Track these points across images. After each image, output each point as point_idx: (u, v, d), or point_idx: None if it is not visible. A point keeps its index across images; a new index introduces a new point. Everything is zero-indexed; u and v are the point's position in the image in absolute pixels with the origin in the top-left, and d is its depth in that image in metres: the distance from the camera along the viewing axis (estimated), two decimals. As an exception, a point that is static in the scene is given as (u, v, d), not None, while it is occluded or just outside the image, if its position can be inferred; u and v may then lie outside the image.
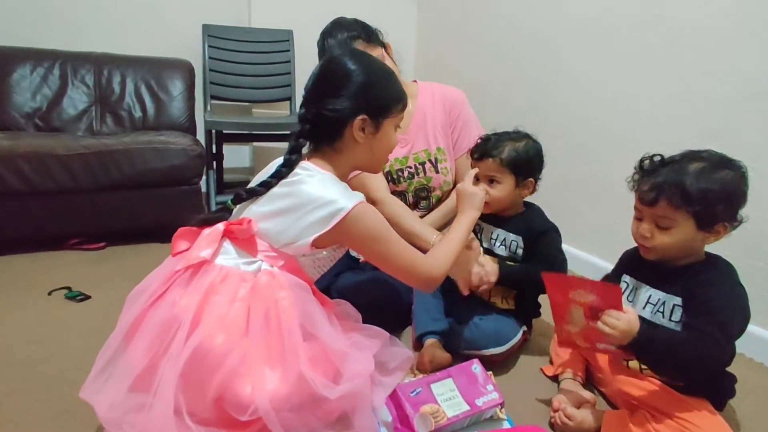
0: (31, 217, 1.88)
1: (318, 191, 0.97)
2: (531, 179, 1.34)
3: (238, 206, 1.05)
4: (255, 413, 0.83)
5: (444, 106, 1.58)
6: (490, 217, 1.40)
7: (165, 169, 2.00)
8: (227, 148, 2.69)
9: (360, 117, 1.01)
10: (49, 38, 2.42)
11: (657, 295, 1.09)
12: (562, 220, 1.41)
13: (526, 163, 1.31)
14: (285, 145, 2.92)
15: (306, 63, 2.78)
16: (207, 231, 0.99)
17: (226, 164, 2.71)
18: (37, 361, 1.25)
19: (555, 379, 1.25)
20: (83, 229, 2.00)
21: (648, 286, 1.11)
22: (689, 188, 0.98)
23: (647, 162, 1.08)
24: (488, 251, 1.39)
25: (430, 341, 1.30)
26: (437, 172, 1.56)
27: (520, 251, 1.34)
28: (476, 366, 1.12)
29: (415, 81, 1.64)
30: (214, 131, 2.58)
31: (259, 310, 0.90)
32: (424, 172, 1.56)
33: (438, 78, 1.92)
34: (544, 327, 1.50)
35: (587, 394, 1.14)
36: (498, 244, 1.38)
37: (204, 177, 2.24)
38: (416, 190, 1.57)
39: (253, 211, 1.01)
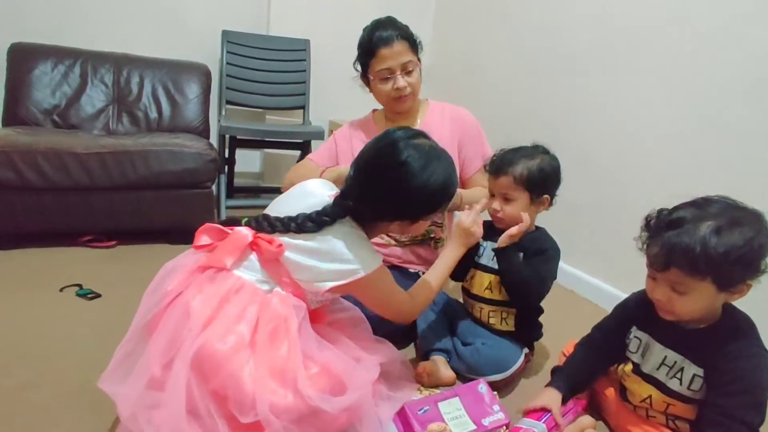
0: (46, 213, 1.90)
1: (346, 247, 1.01)
2: (547, 196, 1.32)
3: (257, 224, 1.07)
4: (257, 417, 0.85)
5: (452, 123, 1.61)
6: (497, 237, 1.37)
7: (179, 172, 2.03)
8: (238, 153, 2.72)
9: (398, 222, 1.07)
10: (72, 37, 2.46)
11: (673, 357, 1.03)
12: (571, 243, 1.42)
13: (541, 180, 1.29)
14: (296, 153, 2.93)
15: (321, 72, 2.83)
16: (235, 235, 1.01)
17: (236, 168, 2.74)
18: (49, 357, 1.26)
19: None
20: (96, 227, 2.02)
21: (662, 346, 1.05)
22: (699, 256, 0.89)
23: (653, 221, 0.99)
24: (491, 269, 1.37)
25: (437, 357, 1.32)
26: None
27: None
28: (482, 386, 1.14)
29: (426, 99, 1.67)
30: (227, 136, 2.61)
31: (267, 326, 0.94)
32: None
33: (452, 92, 1.94)
34: (547, 348, 1.51)
35: (588, 420, 1.15)
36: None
37: (215, 181, 2.26)
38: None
39: (284, 239, 1.02)
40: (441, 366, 1.29)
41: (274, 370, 0.90)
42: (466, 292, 1.45)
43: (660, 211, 0.99)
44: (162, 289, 0.98)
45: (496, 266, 1.36)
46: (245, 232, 1.01)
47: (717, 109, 1.55)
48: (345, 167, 1.29)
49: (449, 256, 1.25)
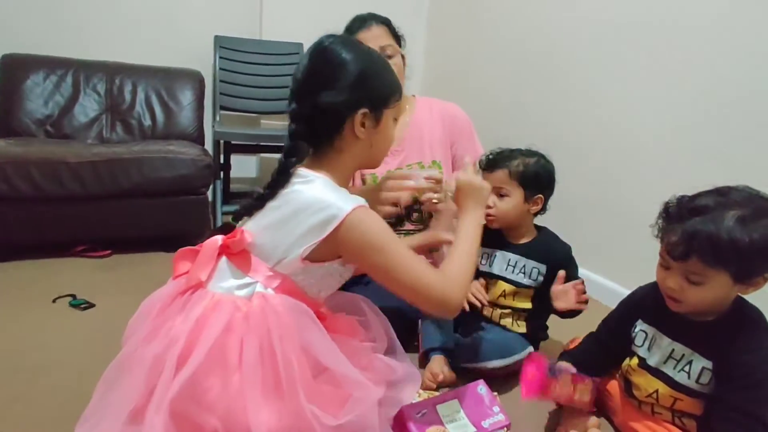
0: (39, 223, 1.89)
1: (312, 196, 0.88)
2: (540, 196, 1.32)
3: (240, 223, 0.98)
4: None
5: (443, 120, 1.58)
6: (503, 242, 1.38)
7: (173, 179, 2.01)
8: (234, 158, 2.71)
9: (361, 111, 0.93)
10: (63, 46, 2.45)
11: (681, 350, 1.00)
12: (576, 241, 1.40)
13: (536, 178, 1.29)
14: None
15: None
16: (205, 247, 0.93)
17: (232, 174, 2.73)
18: (41, 369, 1.24)
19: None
20: (90, 236, 2.01)
21: (669, 338, 1.03)
22: (726, 245, 0.85)
23: (674, 207, 0.95)
24: (502, 278, 1.36)
25: (436, 357, 1.29)
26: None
27: (540, 278, 1.33)
28: (482, 387, 1.12)
29: (413, 96, 1.64)
30: (222, 141, 2.60)
31: (253, 342, 0.83)
32: None
33: (446, 92, 1.93)
34: (550, 348, 1.49)
35: (592, 419, 1.13)
36: (516, 271, 1.35)
37: (211, 187, 2.24)
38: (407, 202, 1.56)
39: (248, 225, 0.94)
40: (439, 366, 1.26)
41: (268, 389, 0.81)
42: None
43: (680, 198, 0.95)
44: (142, 320, 0.91)
45: (509, 276, 1.35)
46: (215, 239, 0.93)
47: (715, 105, 1.53)
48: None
49: (471, 222, 1.03)
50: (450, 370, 1.26)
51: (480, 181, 1.08)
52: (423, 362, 1.32)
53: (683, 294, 0.94)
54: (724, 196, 0.91)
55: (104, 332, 1.43)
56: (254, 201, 0.94)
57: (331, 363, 0.87)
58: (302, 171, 0.94)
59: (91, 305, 1.59)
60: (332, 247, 0.87)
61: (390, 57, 1.45)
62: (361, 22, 1.47)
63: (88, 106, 2.38)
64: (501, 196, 1.30)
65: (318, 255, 0.88)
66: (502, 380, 1.28)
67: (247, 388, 0.80)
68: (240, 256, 0.90)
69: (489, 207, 1.30)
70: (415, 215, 1.55)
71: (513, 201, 1.30)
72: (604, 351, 1.17)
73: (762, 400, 0.90)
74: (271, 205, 0.92)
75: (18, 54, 2.31)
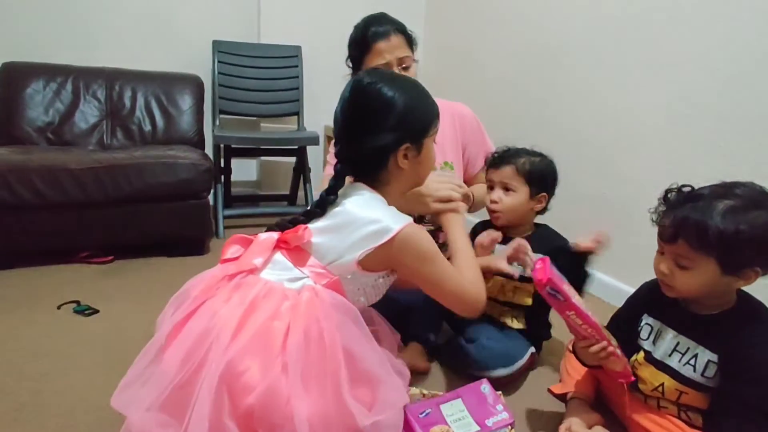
0: (41, 230, 1.89)
1: (366, 211, 0.96)
2: (544, 194, 1.34)
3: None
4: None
5: (453, 121, 1.57)
6: (503, 238, 1.37)
7: (174, 184, 2.02)
8: (234, 162, 2.71)
9: (403, 147, 0.99)
10: (63, 54, 2.46)
11: (686, 343, 1.01)
12: (575, 238, 1.40)
13: (542, 176, 1.32)
14: (292, 160, 2.94)
15: (314, 78, 2.82)
16: (262, 237, 0.99)
17: (233, 178, 2.73)
18: (47, 376, 1.25)
19: (564, 398, 1.24)
20: (92, 243, 2.01)
21: (674, 331, 1.04)
22: (710, 230, 0.88)
23: (672, 194, 0.99)
24: (505, 274, 1.34)
25: (413, 345, 1.31)
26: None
27: None
28: (485, 386, 1.12)
29: None
30: (222, 145, 2.60)
31: (299, 327, 0.86)
32: None
33: (445, 91, 1.93)
34: (554, 346, 1.49)
35: (595, 416, 1.13)
36: (516, 264, 1.36)
37: (212, 191, 2.25)
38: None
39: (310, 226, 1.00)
40: (415, 354, 1.27)
41: (310, 375, 0.83)
42: None
43: (681, 186, 0.98)
44: (185, 297, 0.94)
45: (508, 269, 1.35)
46: (271, 234, 0.99)
47: (719, 99, 1.52)
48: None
49: (455, 226, 1.14)
50: (424, 361, 1.28)
51: (441, 193, 1.17)
52: (400, 347, 1.32)
53: (673, 278, 0.97)
54: (725, 188, 0.93)
55: (109, 338, 1.44)
56: (305, 218, 1.00)
57: (369, 364, 0.89)
58: (357, 184, 1.02)
59: (96, 311, 1.60)
60: (384, 259, 0.94)
61: (407, 68, 1.44)
62: (379, 33, 1.40)
63: (88, 113, 2.39)
64: (507, 190, 1.32)
65: (370, 264, 0.95)
66: (505, 383, 1.28)
67: (289, 372, 0.82)
68: (295, 251, 0.96)
69: (495, 202, 1.33)
70: (427, 216, 1.55)
71: (519, 197, 1.32)
72: None
73: (767, 394, 0.90)
74: (332, 210, 0.99)
75: (18, 62, 2.33)
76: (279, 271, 0.96)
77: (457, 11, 2.86)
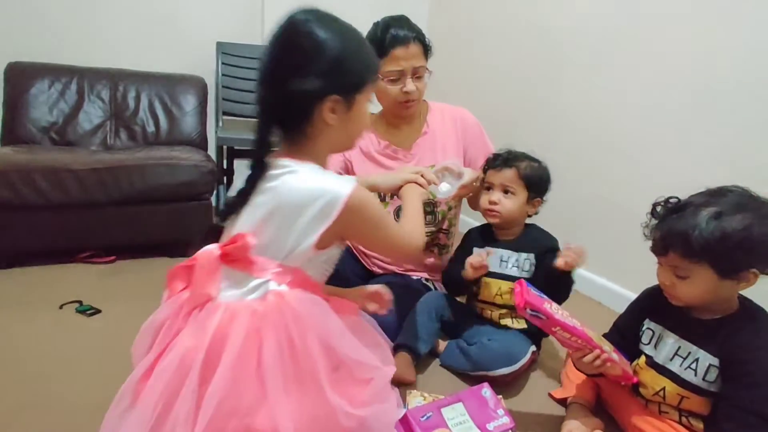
0: (43, 230, 1.90)
1: (307, 185, 0.86)
2: (539, 198, 1.38)
3: (227, 223, 0.94)
4: None
5: (455, 125, 1.59)
6: (494, 241, 1.42)
7: (176, 185, 2.02)
8: (237, 163, 2.72)
9: (331, 98, 0.88)
10: (68, 54, 2.47)
11: (687, 347, 1.02)
12: (574, 241, 1.41)
13: (540, 181, 1.35)
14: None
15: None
16: (202, 260, 0.87)
17: (235, 179, 2.74)
18: (48, 377, 1.25)
19: (564, 403, 1.24)
20: (94, 243, 2.02)
21: (676, 336, 1.04)
22: (694, 239, 0.90)
23: (660, 207, 1.01)
24: (499, 275, 1.39)
25: (402, 354, 1.29)
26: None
27: (533, 268, 1.36)
28: (486, 390, 1.12)
29: (425, 101, 1.65)
30: (225, 147, 2.61)
31: (271, 341, 0.81)
32: None
33: (446, 92, 1.93)
34: (554, 349, 1.49)
35: (595, 420, 1.13)
36: (510, 265, 1.38)
37: (214, 192, 2.26)
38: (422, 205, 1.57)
39: (242, 227, 0.89)
40: (402, 363, 1.26)
41: (290, 383, 0.80)
42: (475, 297, 1.45)
43: (668, 198, 1.00)
44: (145, 345, 0.87)
45: (504, 271, 1.39)
46: (210, 250, 0.88)
47: (717, 105, 1.53)
48: (372, 176, 1.24)
49: (408, 198, 1.14)
50: (410, 370, 1.27)
51: (410, 176, 1.17)
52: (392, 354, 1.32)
53: (675, 289, 0.99)
54: (712, 196, 0.95)
55: (111, 338, 1.44)
56: (237, 198, 0.90)
57: (348, 351, 0.87)
58: (284, 161, 0.89)
59: (98, 311, 1.60)
60: (336, 228, 0.86)
61: (420, 78, 1.45)
62: (399, 38, 1.39)
63: (92, 113, 2.40)
64: (507, 193, 1.35)
65: (325, 240, 0.87)
66: (507, 383, 1.28)
67: (269, 387, 0.79)
68: (242, 260, 0.87)
69: (494, 203, 1.35)
70: (428, 217, 1.56)
71: (518, 200, 1.34)
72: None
73: (764, 398, 0.90)
74: (259, 201, 0.88)
75: (23, 62, 2.33)
76: (235, 287, 0.87)
77: (460, 13, 2.86)
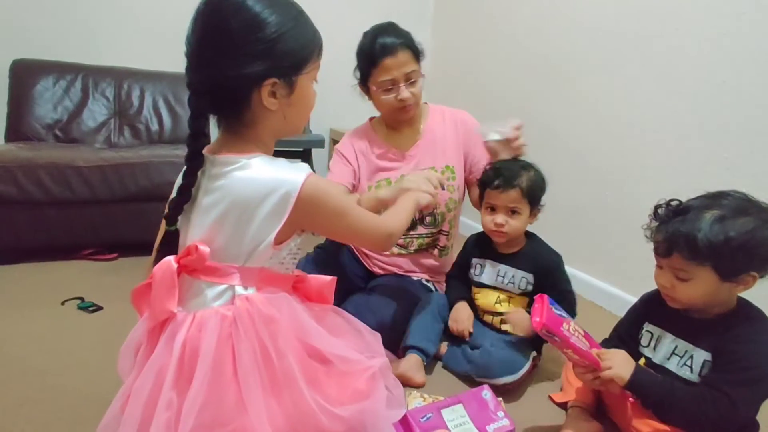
0: (47, 226, 1.91)
1: (258, 178, 0.79)
2: (539, 207, 1.37)
3: (179, 226, 0.87)
4: None
5: (456, 127, 1.59)
6: (494, 254, 1.42)
7: (180, 183, 2.03)
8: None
9: (269, 82, 0.79)
10: (73, 52, 2.48)
11: (683, 346, 1.04)
12: (575, 247, 1.41)
13: (540, 191, 1.34)
14: (296, 160, 2.94)
15: (321, 81, 2.80)
16: (159, 275, 0.81)
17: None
18: (50, 372, 1.26)
19: (565, 406, 1.24)
20: (97, 240, 2.03)
21: (673, 336, 1.06)
22: (699, 241, 0.91)
23: (662, 209, 1.02)
24: (494, 288, 1.40)
25: (412, 356, 1.30)
26: (443, 188, 1.52)
27: (530, 287, 1.36)
28: (486, 392, 1.12)
29: (425, 103, 1.65)
30: (228, 146, 2.61)
31: (244, 347, 0.78)
32: None
33: (451, 98, 1.94)
34: (555, 353, 1.49)
35: (594, 424, 1.13)
36: (506, 281, 1.38)
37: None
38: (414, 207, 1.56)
39: (193, 235, 0.83)
40: (413, 366, 1.27)
41: (267, 387, 0.78)
42: (472, 305, 1.46)
43: (669, 201, 1.01)
44: (127, 365, 0.86)
45: (499, 285, 1.40)
46: (167, 264, 0.81)
47: (715, 109, 1.53)
48: (383, 191, 1.24)
49: (404, 198, 1.11)
50: (423, 375, 1.28)
51: (423, 186, 1.15)
52: (401, 356, 1.33)
53: (674, 291, 1.00)
54: (712, 199, 0.97)
55: (113, 335, 1.43)
56: (179, 196, 0.82)
57: (325, 346, 0.84)
58: (228, 157, 0.82)
59: (99, 308, 1.61)
60: (293, 221, 0.81)
61: (414, 83, 1.44)
62: (386, 47, 1.38)
63: (96, 111, 2.41)
64: (513, 213, 1.33)
65: (283, 235, 0.82)
66: (508, 390, 1.29)
67: (246, 395, 0.76)
68: (203, 270, 0.82)
69: (501, 225, 1.34)
70: (428, 219, 1.56)
71: (524, 217, 1.34)
72: None
73: (739, 382, 0.93)
74: (207, 201, 0.82)
75: (28, 59, 2.35)
76: (200, 295, 0.82)
77: (463, 20, 2.87)
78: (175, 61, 2.75)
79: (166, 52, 2.71)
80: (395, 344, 1.36)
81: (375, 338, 0.95)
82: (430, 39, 3.09)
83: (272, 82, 0.80)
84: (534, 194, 1.32)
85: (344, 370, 0.85)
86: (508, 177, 1.31)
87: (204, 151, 0.83)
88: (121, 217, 2.00)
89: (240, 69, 0.77)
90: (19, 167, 1.83)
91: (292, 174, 0.79)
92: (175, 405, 0.75)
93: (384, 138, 1.59)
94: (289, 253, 0.88)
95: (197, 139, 0.81)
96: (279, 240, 0.81)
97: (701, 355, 1.00)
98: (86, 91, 2.41)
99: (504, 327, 1.38)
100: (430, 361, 1.35)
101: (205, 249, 0.80)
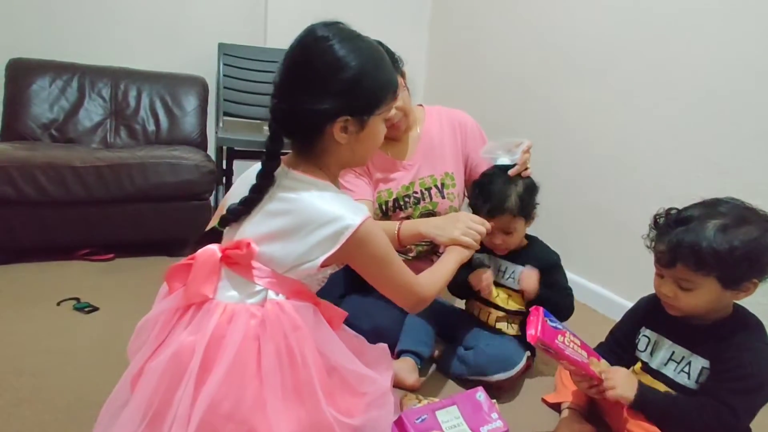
0: (42, 226, 1.90)
1: (321, 206, 0.85)
2: (533, 213, 1.37)
3: (227, 228, 0.94)
4: None
5: (453, 130, 1.58)
6: (496, 251, 1.42)
7: (177, 184, 2.03)
8: (236, 164, 2.73)
9: (342, 119, 0.86)
10: (69, 52, 2.47)
11: (681, 352, 1.05)
12: (570, 250, 1.42)
13: (531, 202, 1.33)
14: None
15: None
16: (201, 260, 0.87)
17: (234, 180, 2.75)
18: (45, 372, 1.26)
19: (558, 407, 1.25)
20: (93, 240, 2.02)
21: (670, 341, 1.07)
22: (705, 252, 0.91)
23: (662, 219, 1.02)
24: (496, 284, 1.40)
25: (406, 359, 1.31)
26: (443, 197, 1.55)
27: None
28: (480, 394, 1.13)
29: (420, 105, 1.65)
30: (225, 147, 2.62)
31: (270, 348, 0.82)
32: (430, 198, 1.55)
33: (449, 98, 1.94)
34: (548, 356, 1.50)
35: (587, 426, 1.14)
36: (507, 276, 1.39)
37: (214, 192, 2.27)
38: (422, 216, 1.56)
39: (248, 232, 0.89)
40: (406, 368, 1.27)
41: (288, 394, 0.81)
42: (475, 296, 1.45)
43: (669, 210, 1.02)
44: (141, 342, 0.88)
45: (500, 281, 1.40)
46: (211, 251, 0.88)
47: (713, 114, 1.55)
48: (423, 224, 1.25)
49: (453, 257, 1.13)
50: (416, 378, 1.28)
51: (463, 239, 1.15)
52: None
53: (677, 300, 1.00)
54: (709, 207, 0.97)
55: (108, 335, 1.45)
56: (242, 207, 0.89)
57: (344, 362, 0.89)
58: (297, 175, 0.89)
59: (95, 308, 1.61)
60: (341, 254, 0.87)
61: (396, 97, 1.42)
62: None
63: (93, 111, 2.41)
64: (509, 233, 1.33)
65: (329, 261, 0.88)
66: (503, 388, 1.30)
67: (267, 395, 0.79)
68: (243, 266, 0.87)
69: (498, 244, 1.35)
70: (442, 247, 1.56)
71: (520, 231, 1.35)
72: (614, 360, 1.19)
73: (740, 392, 0.94)
74: (271, 209, 0.88)
75: (24, 59, 2.34)
76: (235, 289, 0.87)
77: (462, 16, 2.88)
78: (172, 62, 2.78)
79: (163, 52, 2.72)
80: (390, 348, 1.36)
81: (383, 353, 1.02)
82: (428, 39, 3.10)
83: (345, 119, 0.87)
84: (526, 209, 1.31)
85: (359, 385, 0.89)
86: (496, 203, 1.28)
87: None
88: (118, 217, 2.00)
89: (318, 104, 0.84)
90: (15, 167, 1.82)
91: (353, 214, 0.85)
92: (191, 390, 0.77)
93: (382, 148, 1.59)
94: (324, 276, 0.95)
95: (272, 160, 0.88)
96: (324, 264, 0.87)
97: (699, 362, 1.01)
98: (82, 90, 2.40)
99: (498, 326, 1.39)
100: (424, 364, 1.36)
101: (255, 248, 0.86)
